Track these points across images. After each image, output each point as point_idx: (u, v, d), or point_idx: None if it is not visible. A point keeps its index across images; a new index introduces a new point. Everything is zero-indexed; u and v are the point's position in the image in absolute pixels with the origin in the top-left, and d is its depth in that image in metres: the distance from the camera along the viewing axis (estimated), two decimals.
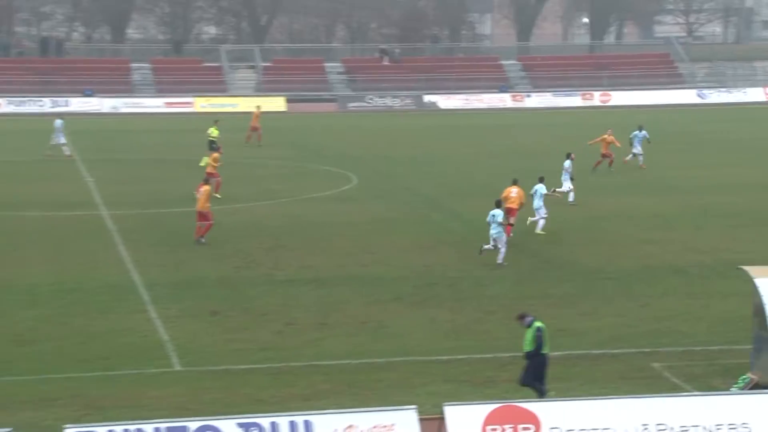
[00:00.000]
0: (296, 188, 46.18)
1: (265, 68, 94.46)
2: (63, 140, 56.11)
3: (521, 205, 34.88)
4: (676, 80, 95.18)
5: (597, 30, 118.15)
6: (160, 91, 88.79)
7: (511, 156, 56.31)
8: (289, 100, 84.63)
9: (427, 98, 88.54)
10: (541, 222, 36.19)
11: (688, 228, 37.16)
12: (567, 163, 41.60)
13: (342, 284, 30.03)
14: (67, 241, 35.70)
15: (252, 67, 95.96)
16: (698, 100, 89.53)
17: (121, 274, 31.30)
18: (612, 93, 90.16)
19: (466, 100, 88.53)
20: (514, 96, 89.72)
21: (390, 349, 24.40)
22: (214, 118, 57.22)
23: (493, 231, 31.91)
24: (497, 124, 75.26)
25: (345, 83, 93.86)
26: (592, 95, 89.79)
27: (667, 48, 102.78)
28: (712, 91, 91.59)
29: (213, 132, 54.20)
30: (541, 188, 36.26)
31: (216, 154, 43.93)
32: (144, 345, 24.84)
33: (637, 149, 50.40)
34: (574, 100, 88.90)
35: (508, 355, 23.45)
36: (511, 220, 34.10)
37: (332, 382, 22.36)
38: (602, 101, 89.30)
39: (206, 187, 35.49)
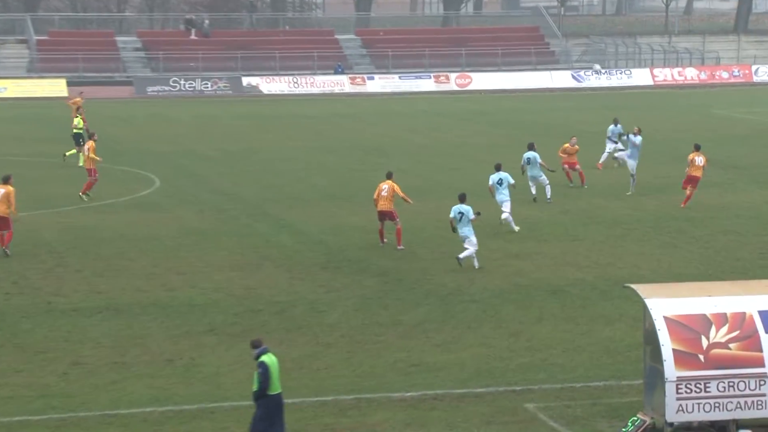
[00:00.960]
0: None
1: (40, 43, 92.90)
2: None
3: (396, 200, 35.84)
4: (547, 60, 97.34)
5: None
6: None
7: (351, 152, 56.55)
8: (71, 83, 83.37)
9: (246, 81, 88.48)
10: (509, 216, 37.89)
11: (564, 238, 37.94)
12: (531, 155, 42.92)
13: (142, 313, 29.77)
14: None
15: (23, 41, 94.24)
16: (574, 84, 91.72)
17: None
18: (472, 75, 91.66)
19: (295, 83, 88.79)
20: (352, 78, 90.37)
21: (203, 392, 24.27)
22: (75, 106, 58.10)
23: (462, 230, 33.17)
24: (333, 112, 75.62)
25: (143, 62, 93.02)
26: (447, 78, 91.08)
27: (536, 20, 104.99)
28: (589, 72, 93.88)
29: (78, 124, 55.10)
30: (507, 177, 37.78)
31: (92, 142, 45.39)
32: None
33: (612, 147, 51.08)
34: (426, 84, 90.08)
35: (351, 397, 23.54)
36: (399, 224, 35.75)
37: None
38: (460, 85, 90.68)
39: (8, 188, 35.34)
